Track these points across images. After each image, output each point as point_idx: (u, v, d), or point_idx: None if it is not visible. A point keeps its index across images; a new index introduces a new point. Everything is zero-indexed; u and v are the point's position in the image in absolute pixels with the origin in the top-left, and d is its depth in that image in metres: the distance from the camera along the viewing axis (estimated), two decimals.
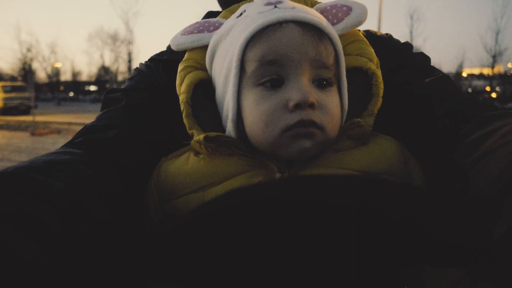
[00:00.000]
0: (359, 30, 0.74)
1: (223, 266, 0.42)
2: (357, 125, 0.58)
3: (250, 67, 0.56)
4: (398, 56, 0.73)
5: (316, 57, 0.55)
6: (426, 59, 0.75)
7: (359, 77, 0.64)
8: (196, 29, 0.69)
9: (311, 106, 0.53)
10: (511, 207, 0.39)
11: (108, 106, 0.72)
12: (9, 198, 0.39)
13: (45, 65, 48.21)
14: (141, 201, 0.61)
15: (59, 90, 50.32)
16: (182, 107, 0.63)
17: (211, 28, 0.69)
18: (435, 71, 0.70)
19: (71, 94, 57.06)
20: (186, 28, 0.71)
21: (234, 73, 0.57)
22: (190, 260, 0.43)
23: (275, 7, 0.59)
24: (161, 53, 0.81)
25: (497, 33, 36.52)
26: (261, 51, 0.55)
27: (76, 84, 57.97)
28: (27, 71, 43.74)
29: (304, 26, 0.56)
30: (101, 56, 56.05)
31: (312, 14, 0.58)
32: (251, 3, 0.66)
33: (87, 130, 0.64)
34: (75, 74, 57.17)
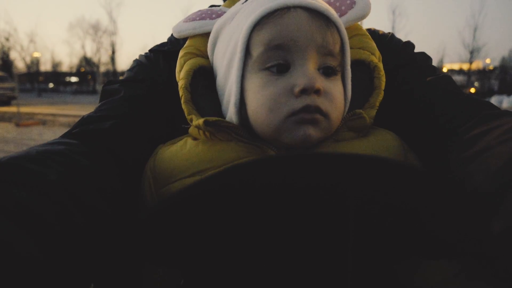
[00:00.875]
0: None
1: (216, 248, 0.42)
2: (359, 116, 0.58)
3: (256, 51, 0.55)
4: (400, 56, 0.74)
5: (323, 44, 0.55)
6: (428, 58, 0.75)
7: (361, 70, 0.64)
8: (198, 16, 0.70)
9: (317, 92, 0.53)
10: (509, 203, 0.39)
11: (106, 97, 0.71)
12: (2, 189, 0.38)
13: (24, 55, 46.92)
14: (138, 191, 0.61)
15: (38, 81, 49.14)
16: (180, 93, 0.62)
17: (214, 15, 0.69)
18: (436, 70, 0.71)
19: (51, 85, 55.79)
20: (188, 16, 0.72)
21: (239, 57, 0.56)
22: (182, 242, 0.42)
23: None
24: (162, 44, 0.81)
25: (475, 30, 37.48)
26: (268, 35, 0.54)
27: (56, 75, 56.67)
28: (5, 61, 42.52)
29: (312, 12, 0.55)
30: (83, 47, 55.01)
31: (320, 2, 0.58)
32: None
33: (84, 120, 0.64)
34: (55, 65, 55.88)
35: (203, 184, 0.38)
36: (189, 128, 0.61)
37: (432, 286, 0.52)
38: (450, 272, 0.50)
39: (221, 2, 0.84)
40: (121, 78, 0.76)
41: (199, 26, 0.68)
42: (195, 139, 0.60)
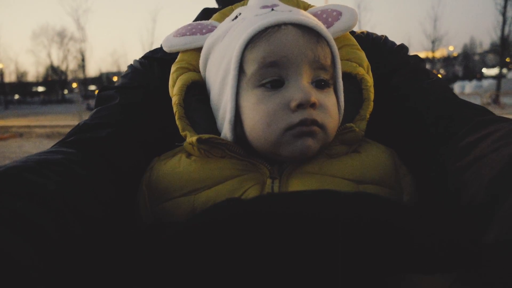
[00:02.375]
0: (354, 31, 0.77)
1: (210, 276, 0.42)
2: (350, 130, 0.59)
3: (250, 69, 0.56)
4: (393, 59, 0.74)
5: (315, 58, 0.56)
6: (421, 61, 0.75)
7: (350, 82, 0.64)
8: (188, 31, 0.70)
9: (313, 106, 0.54)
10: (502, 213, 0.39)
11: (102, 103, 0.71)
12: (1, 199, 0.38)
13: None
14: (134, 201, 0.62)
15: (4, 93, 47.34)
16: (174, 109, 0.63)
17: (204, 30, 0.69)
18: (430, 74, 0.71)
19: (16, 96, 53.94)
20: (178, 30, 0.71)
21: (233, 75, 0.57)
22: (176, 267, 0.43)
23: (272, 9, 0.60)
24: (155, 50, 0.81)
25: (435, 20, 38.95)
26: (261, 53, 0.56)
27: (22, 86, 54.83)
28: None
29: (302, 28, 0.57)
30: (49, 55, 53.30)
31: (309, 17, 0.59)
32: (246, 6, 0.68)
33: (79, 128, 0.64)
34: (20, 75, 54.05)
35: (201, 217, 0.39)
36: (183, 143, 0.62)
37: None
38: (443, 284, 0.49)
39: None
40: (116, 84, 0.77)
41: (189, 42, 0.68)
42: (189, 154, 0.62)
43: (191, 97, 0.65)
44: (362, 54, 0.68)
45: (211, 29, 0.69)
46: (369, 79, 0.65)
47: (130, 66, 0.80)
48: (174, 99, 0.64)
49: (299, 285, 0.41)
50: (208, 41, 0.66)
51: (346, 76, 0.64)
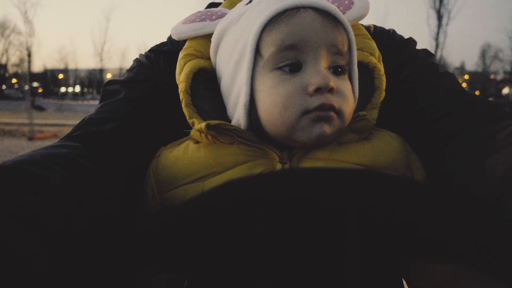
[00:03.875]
0: (362, 25, 0.75)
1: (217, 259, 0.43)
2: (362, 118, 0.59)
3: (268, 51, 0.56)
4: (402, 53, 0.74)
5: (333, 43, 0.56)
6: (430, 56, 0.74)
7: (362, 71, 0.64)
8: (198, 17, 0.69)
9: (331, 91, 0.54)
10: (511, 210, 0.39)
11: (107, 98, 0.70)
12: (7, 193, 0.39)
13: None
14: (140, 194, 0.62)
15: None
16: (181, 96, 0.62)
17: (214, 17, 0.69)
18: (439, 68, 0.71)
19: None
20: (187, 17, 0.71)
21: (249, 58, 0.57)
22: (184, 250, 0.43)
23: None
24: (161, 44, 0.80)
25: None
26: (280, 36, 0.55)
27: None
28: None
29: (321, 13, 0.56)
30: None
31: (327, 2, 0.59)
32: None
33: (85, 123, 0.64)
34: None
35: (207, 196, 0.39)
36: (191, 131, 0.62)
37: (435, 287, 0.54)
38: (454, 273, 0.50)
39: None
40: (121, 78, 0.76)
41: (199, 28, 0.68)
42: (197, 142, 0.61)
43: (198, 84, 0.64)
44: (373, 44, 0.68)
45: (221, 16, 0.69)
46: (381, 68, 0.66)
47: (136, 60, 0.79)
48: (181, 86, 0.63)
49: (308, 270, 0.41)
50: (220, 25, 0.65)
51: (358, 64, 0.64)
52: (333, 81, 0.54)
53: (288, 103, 0.54)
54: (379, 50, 0.68)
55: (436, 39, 31.97)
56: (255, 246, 0.41)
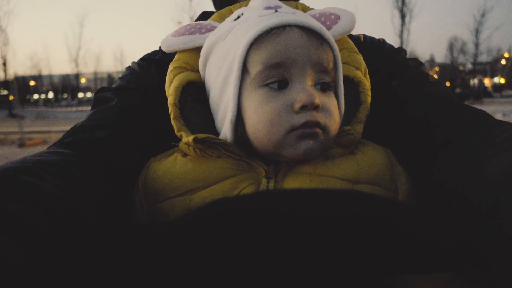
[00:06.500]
0: (352, 35, 0.76)
1: (203, 275, 0.41)
2: (347, 133, 0.59)
3: (254, 69, 0.56)
4: (392, 62, 0.75)
5: (319, 61, 0.57)
6: (420, 65, 0.75)
7: (347, 85, 0.64)
8: (187, 31, 0.70)
9: (316, 108, 0.54)
10: (503, 211, 0.40)
11: (98, 105, 0.71)
12: None
13: None
14: (131, 202, 0.61)
15: None
16: (170, 109, 0.63)
17: (203, 30, 0.69)
18: (429, 77, 0.71)
19: None
20: (177, 30, 0.71)
21: (236, 75, 0.57)
22: (171, 266, 0.42)
23: (276, 11, 0.61)
24: (153, 52, 0.81)
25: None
26: (266, 54, 0.56)
27: None
28: None
29: (307, 31, 0.57)
30: None
31: (313, 20, 0.59)
32: (248, 7, 0.68)
33: (77, 129, 0.64)
34: None
35: (194, 215, 0.39)
36: (179, 144, 0.61)
37: None
38: (442, 281, 0.48)
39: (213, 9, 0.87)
40: (113, 85, 0.76)
41: (188, 41, 0.68)
42: (185, 154, 0.61)
43: (187, 97, 0.65)
44: (360, 58, 0.69)
45: (210, 29, 0.69)
46: (367, 82, 0.67)
47: (128, 68, 0.80)
48: (170, 99, 0.64)
49: (292, 284, 0.40)
50: (209, 40, 0.66)
51: (344, 79, 0.65)
52: (319, 98, 0.55)
53: (275, 121, 0.55)
54: (369, 59, 0.70)
55: (401, 36, 34.67)
56: (238, 265, 0.40)
